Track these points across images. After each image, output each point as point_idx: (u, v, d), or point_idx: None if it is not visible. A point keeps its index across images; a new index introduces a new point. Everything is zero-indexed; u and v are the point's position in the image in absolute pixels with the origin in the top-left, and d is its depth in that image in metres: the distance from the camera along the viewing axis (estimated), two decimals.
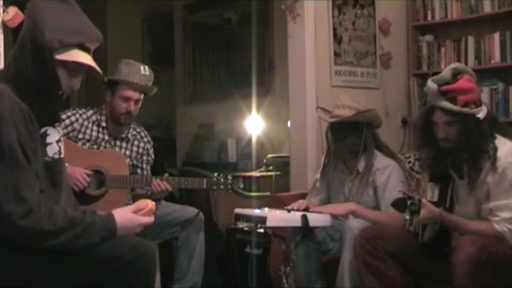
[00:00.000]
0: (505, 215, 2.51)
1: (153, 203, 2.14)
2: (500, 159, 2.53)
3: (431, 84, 2.59)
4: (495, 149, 2.55)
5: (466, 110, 2.54)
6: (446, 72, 2.62)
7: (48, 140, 1.99)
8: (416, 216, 2.47)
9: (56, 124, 2.04)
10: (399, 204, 2.53)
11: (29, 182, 1.87)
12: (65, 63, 1.95)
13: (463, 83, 2.57)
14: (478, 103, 2.59)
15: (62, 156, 2.06)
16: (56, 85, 1.97)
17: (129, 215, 2.04)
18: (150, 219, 2.09)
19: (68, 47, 1.94)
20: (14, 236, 1.86)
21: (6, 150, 1.83)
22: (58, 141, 2.03)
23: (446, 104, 2.54)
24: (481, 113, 2.56)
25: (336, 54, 4.12)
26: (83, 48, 1.99)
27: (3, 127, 1.84)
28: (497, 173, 2.53)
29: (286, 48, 4.13)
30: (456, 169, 2.67)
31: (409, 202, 2.46)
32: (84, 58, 1.98)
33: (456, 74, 2.60)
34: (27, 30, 1.96)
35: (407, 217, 2.46)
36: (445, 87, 2.56)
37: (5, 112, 1.85)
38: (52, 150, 2.01)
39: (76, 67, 1.99)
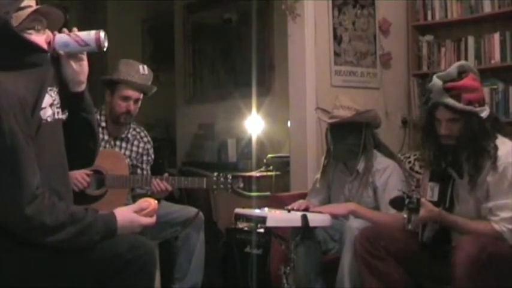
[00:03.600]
0: (504, 214, 2.52)
1: (156, 202, 2.11)
2: (501, 159, 2.54)
3: (436, 80, 2.59)
4: (496, 148, 2.55)
5: (469, 108, 2.54)
6: (452, 69, 2.63)
7: (42, 105, 1.97)
8: (415, 215, 2.46)
9: (49, 88, 2.01)
10: (397, 203, 2.53)
11: (31, 168, 1.87)
12: (25, 24, 1.92)
13: (468, 81, 2.58)
14: (482, 102, 2.60)
15: (57, 117, 2.03)
16: (34, 49, 1.95)
17: (130, 215, 2.03)
18: (151, 219, 2.07)
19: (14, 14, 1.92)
20: (18, 226, 1.85)
21: (7, 139, 1.83)
22: (51, 105, 2.01)
23: (450, 101, 2.54)
24: (484, 112, 2.57)
25: (336, 54, 4.11)
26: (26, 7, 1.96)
27: (3, 117, 1.83)
28: (497, 173, 2.53)
29: (286, 48, 4.12)
30: (456, 168, 2.67)
31: (406, 200, 2.46)
32: (35, 6, 1.95)
33: (462, 72, 2.61)
34: None
35: (405, 216, 2.47)
36: (450, 84, 2.56)
37: (3, 102, 1.84)
38: (46, 114, 1.98)
39: (36, 22, 1.96)
